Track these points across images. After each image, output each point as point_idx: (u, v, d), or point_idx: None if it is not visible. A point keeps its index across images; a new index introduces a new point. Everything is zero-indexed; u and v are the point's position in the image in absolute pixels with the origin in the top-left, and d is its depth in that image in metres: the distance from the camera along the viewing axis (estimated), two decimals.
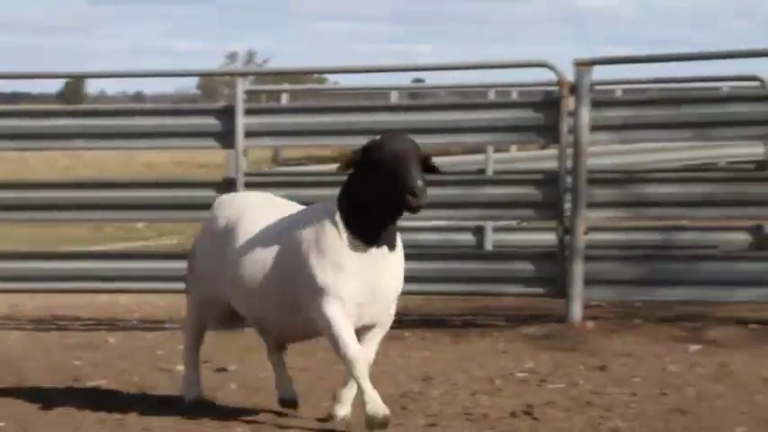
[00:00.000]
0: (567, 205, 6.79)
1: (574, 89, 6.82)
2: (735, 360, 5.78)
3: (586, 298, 6.72)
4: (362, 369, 4.23)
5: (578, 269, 6.62)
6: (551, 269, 6.81)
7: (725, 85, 10.19)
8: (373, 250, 4.21)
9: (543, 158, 9.51)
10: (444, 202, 7.13)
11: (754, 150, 12.58)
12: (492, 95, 10.42)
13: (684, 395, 5.06)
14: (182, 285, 5.33)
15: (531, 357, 5.94)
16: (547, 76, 7.33)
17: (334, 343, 4.30)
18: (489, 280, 7.23)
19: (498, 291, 7.32)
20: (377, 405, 4.22)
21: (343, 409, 4.53)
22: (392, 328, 5.57)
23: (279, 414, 4.78)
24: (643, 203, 6.96)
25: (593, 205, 6.79)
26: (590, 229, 6.95)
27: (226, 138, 7.20)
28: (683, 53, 7.83)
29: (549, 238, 7.25)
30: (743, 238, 8.86)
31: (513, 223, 9.28)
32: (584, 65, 6.86)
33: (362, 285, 4.23)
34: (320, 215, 4.26)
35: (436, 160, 4.39)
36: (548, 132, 7.08)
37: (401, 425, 4.72)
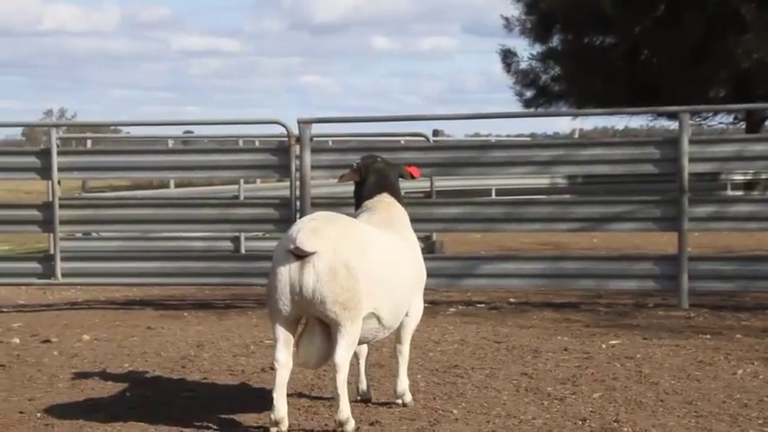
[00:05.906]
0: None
1: (299, 140, 8.06)
2: None
3: None
4: None
5: None
6: None
7: (401, 139, 11.42)
8: None
9: (280, 188, 10.38)
10: (208, 219, 8.44)
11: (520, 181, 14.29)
12: (241, 143, 11.56)
13: None
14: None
15: None
16: (280, 130, 8.57)
17: None
18: (245, 275, 8.49)
19: (250, 282, 8.52)
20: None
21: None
22: (174, 308, 7.39)
23: None
24: None
25: None
26: None
27: (44, 172, 8.47)
28: (373, 116, 9.59)
29: None
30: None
31: (260, 234, 10.59)
32: (305, 123, 8.04)
33: None
34: None
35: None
36: (282, 170, 8.40)
37: (182, 379, 5.48)
